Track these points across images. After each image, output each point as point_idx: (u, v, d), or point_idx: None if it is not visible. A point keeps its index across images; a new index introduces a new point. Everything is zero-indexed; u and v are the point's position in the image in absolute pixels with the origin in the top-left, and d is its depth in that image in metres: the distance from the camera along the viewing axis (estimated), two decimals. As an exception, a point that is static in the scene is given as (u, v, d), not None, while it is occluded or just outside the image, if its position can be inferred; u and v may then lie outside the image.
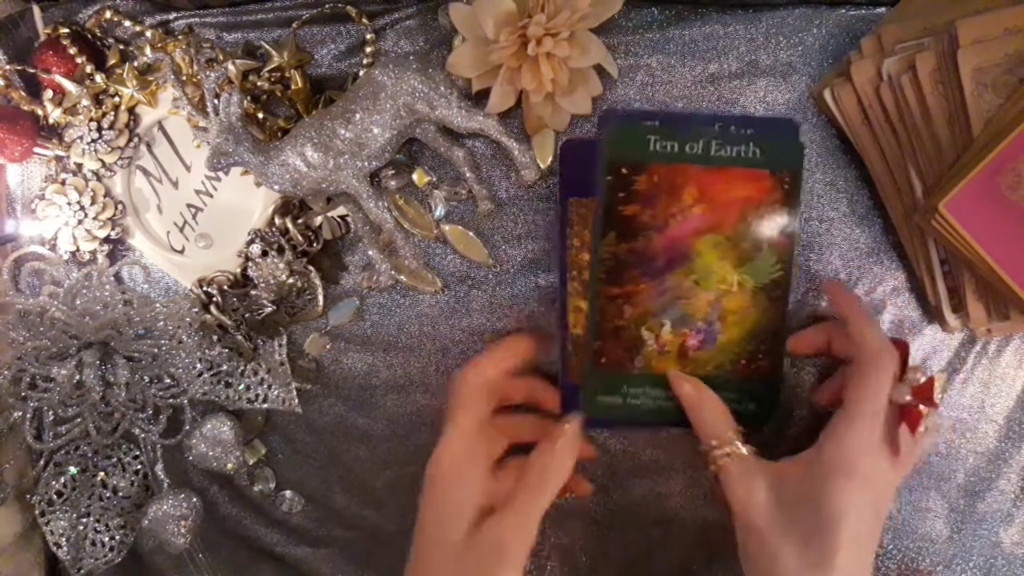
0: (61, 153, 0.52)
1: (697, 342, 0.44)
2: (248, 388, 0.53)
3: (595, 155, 0.45)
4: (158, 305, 0.53)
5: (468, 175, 0.50)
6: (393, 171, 0.51)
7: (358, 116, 0.46)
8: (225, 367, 0.53)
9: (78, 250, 0.53)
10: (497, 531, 0.39)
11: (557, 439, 0.43)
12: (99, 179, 0.53)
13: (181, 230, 0.54)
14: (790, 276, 0.44)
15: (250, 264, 0.52)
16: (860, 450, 0.38)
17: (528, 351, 0.47)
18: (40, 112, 0.52)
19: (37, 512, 0.54)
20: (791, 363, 0.50)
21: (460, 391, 0.44)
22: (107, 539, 0.54)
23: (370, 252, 0.51)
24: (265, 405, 0.53)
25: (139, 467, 0.55)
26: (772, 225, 0.44)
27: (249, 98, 0.50)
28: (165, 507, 0.53)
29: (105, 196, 0.53)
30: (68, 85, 0.50)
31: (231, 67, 0.49)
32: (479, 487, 0.41)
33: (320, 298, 0.52)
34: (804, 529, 0.36)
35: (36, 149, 0.52)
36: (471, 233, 0.51)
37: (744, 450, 0.40)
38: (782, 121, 0.47)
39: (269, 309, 0.51)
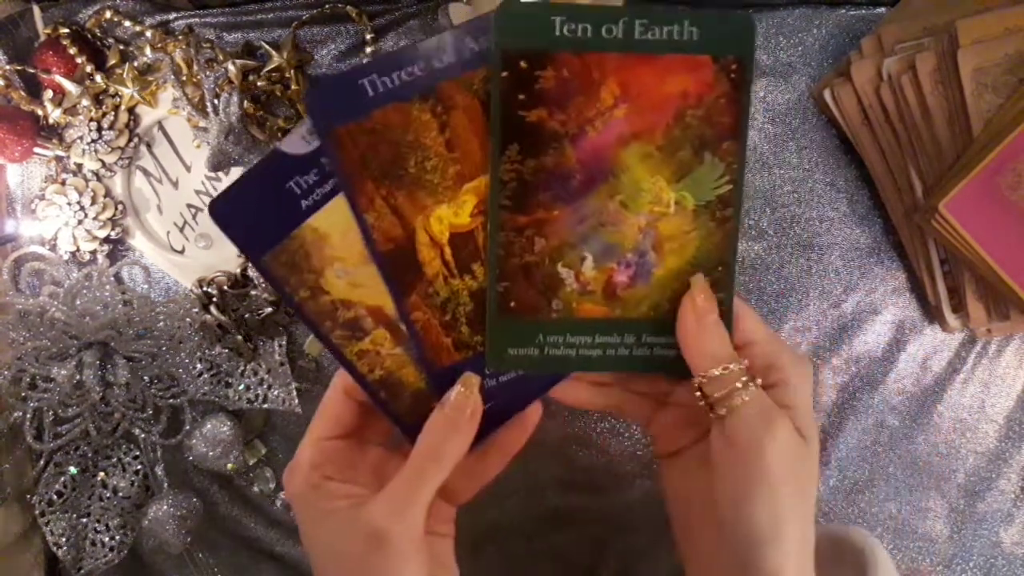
0: (61, 153, 0.52)
1: (627, 278, 0.36)
2: (248, 388, 0.53)
3: (252, 196, 0.36)
4: (158, 305, 0.53)
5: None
6: (393, 171, 0.51)
7: (358, 116, 0.46)
8: (225, 367, 0.53)
9: (78, 250, 0.53)
10: (369, 519, 0.33)
11: (447, 403, 0.35)
12: (99, 179, 0.53)
13: (181, 230, 0.54)
14: (740, 190, 0.36)
15: (250, 264, 0.52)
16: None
17: (340, 414, 0.38)
18: (40, 112, 0.52)
19: (37, 512, 0.54)
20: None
21: (330, 391, 0.38)
22: (107, 539, 0.54)
23: (370, 252, 0.51)
24: (265, 405, 0.53)
25: (139, 467, 0.55)
26: (715, 127, 0.35)
27: (249, 98, 0.50)
28: (165, 507, 0.53)
29: (105, 196, 0.53)
30: (68, 85, 0.50)
31: (231, 67, 0.49)
32: (339, 487, 0.36)
33: (320, 298, 0.52)
34: (803, 479, 0.33)
35: (36, 149, 0.52)
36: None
37: (754, 386, 0.33)
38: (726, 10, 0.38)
39: (269, 309, 0.51)
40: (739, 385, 0.32)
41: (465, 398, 0.35)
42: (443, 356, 0.37)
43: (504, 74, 0.34)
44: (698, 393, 0.34)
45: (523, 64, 0.34)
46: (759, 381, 0.33)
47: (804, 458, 0.32)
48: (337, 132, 0.35)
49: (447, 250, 0.37)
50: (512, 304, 0.36)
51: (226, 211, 0.37)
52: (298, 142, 0.35)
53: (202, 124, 0.47)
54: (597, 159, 0.35)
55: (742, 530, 0.31)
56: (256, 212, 0.36)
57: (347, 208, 0.36)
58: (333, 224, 0.36)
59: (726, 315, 0.35)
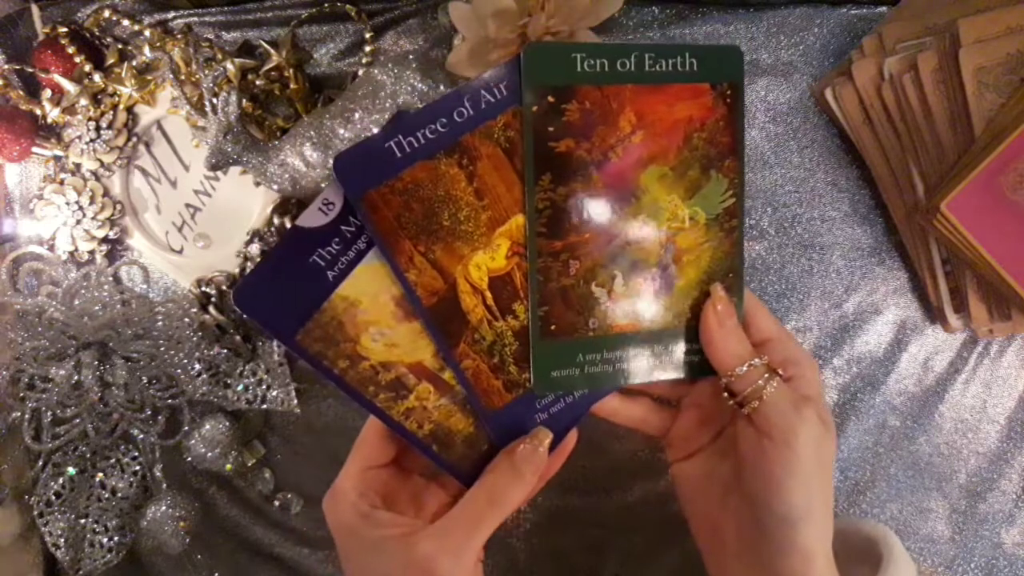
0: (59, 153, 0.52)
1: (654, 290, 0.39)
2: (247, 389, 0.53)
3: (276, 278, 0.37)
4: (157, 305, 0.53)
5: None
6: (392, 171, 0.51)
7: (358, 115, 0.46)
8: (224, 367, 0.53)
9: (76, 250, 0.53)
10: (424, 555, 0.33)
11: (517, 453, 0.36)
12: (97, 179, 0.53)
13: (180, 230, 0.53)
14: (742, 202, 0.39)
15: (249, 264, 0.51)
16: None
17: (382, 443, 0.39)
18: (39, 112, 0.52)
19: (36, 513, 0.53)
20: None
21: (369, 428, 0.39)
22: (106, 540, 0.54)
23: (369, 252, 0.51)
24: (264, 406, 0.53)
25: (138, 468, 0.55)
26: (718, 147, 0.38)
27: (248, 97, 0.49)
28: (164, 508, 0.52)
29: (103, 196, 0.52)
30: (67, 84, 0.50)
31: (230, 66, 0.49)
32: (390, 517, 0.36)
33: (319, 298, 0.52)
34: (826, 462, 0.35)
35: (34, 149, 0.51)
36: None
37: (777, 379, 0.35)
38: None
39: (268, 309, 0.51)
40: (763, 380, 0.35)
41: (533, 451, 0.36)
42: (496, 398, 0.39)
43: (534, 109, 0.36)
44: (726, 393, 0.36)
45: (551, 99, 0.37)
46: (781, 373, 0.35)
47: (827, 443, 0.34)
48: (370, 196, 0.36)
49: (488, 295, 0.38)
50: (552, 327, 0.38)
51: (251, 297, 0.38)
52: (315, 215, 0.37)
53: (201, 123, 0.47)
54: (620, 182, 0.38)
55: (779, 511, 0.33)
56: (282, 292, 0.37)
57: (372, 271, 0.38)
58: (362, 289, 0.38)
59: (741, 318, 0.38)
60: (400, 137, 0.36)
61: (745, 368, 0.35)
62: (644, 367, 0.39)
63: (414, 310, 0.38)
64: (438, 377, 0.39)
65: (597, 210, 0.38)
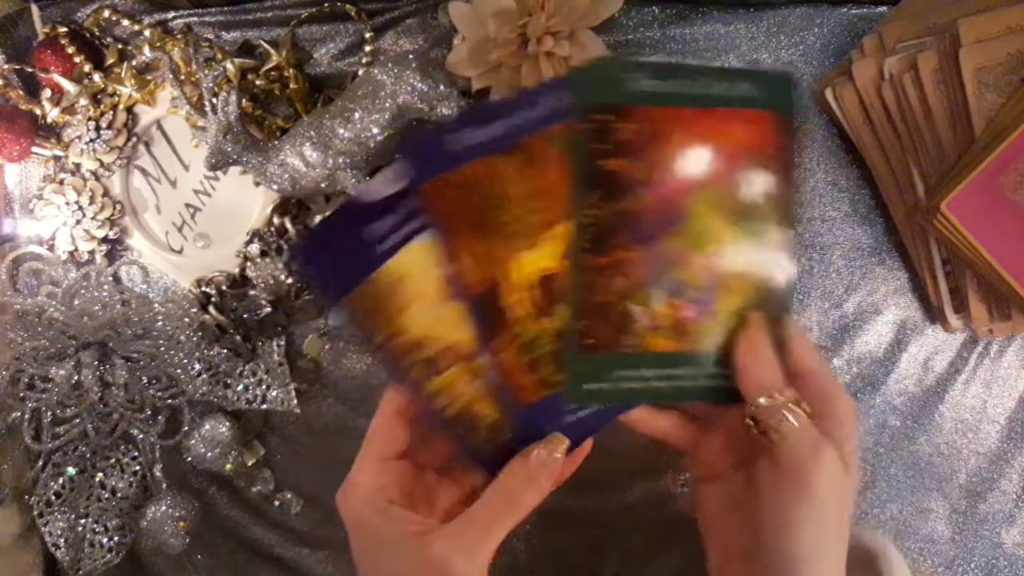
0: (59, 153, 0.52)
1: (694, 313, 0.38)
2: (247, 389, 0.53)
3: (329, 244, 0.39)
4: (156, 305, 0.53)
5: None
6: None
7: (357, 115, 0.46)
8: (223, 368, 0.53)
9: (76, 250, 0.53)
10: (439, 554, 0.33)
11: (532, 458, 0.36)
12: (97, 179, 0.53)
13: (180, 230, 0.53)
14: (793, 233, 0.38)
15: (249, 264, 0.51)
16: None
17: (395, 434, 0.38)
18: (38, 111, 0.52)
19: (35, 513, 0.53)
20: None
21: (381, 411, 0.38)
22: (105, 540, 0.54)
23: (369, 252, 0.51)
24: (264, 406, 0.53)
25: (137, 468, 0.55)
26: (771, 172, 0.37)
27: (248, 97, 0.49)
28: (164, 508, 0.52)
29: (103, 196, 0.52)
30: (66, 84, 0.50)
31: (229, 66, 0.49)
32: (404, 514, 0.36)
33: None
34: (843, 504, 0.35)
35: (34, 149, 0.51)
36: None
37: (802, 413, 0.35)
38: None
39: (268, 309, 0.51)
40: (787, 412, 0.34)
41: (548, 455, 0.36)
42: (526, 394, 0.38)
43: (586, 126, 0.36)
44: (750, 421, 0.35)
45: (603, 117, 0.36)
46: (807, 409, 0.35)
47: (845, 485, 0.34)
48: (428, 185, 0.37)
49: (532, 293, 0.38)
50: (589, 341, 0.38)
51: (305, 257, 0.39)
52: (373, 190, 0.38)
53: (201, 123, 0.47)
54: (669, 204, 0.37)
55: (786, 550, 0.33)
56: (334, 258, 0.38)
57: (425, 250, 0.38)
58: (410, 266, 0.38)
59: (780, 348, 0.37)
60: (463, 131, 0.37)
61: (770, 399, 0.35)
62: (677, 388, 0.38)
63: (459, 298, 0.38)
64: (472, 362, 0.39)
65: (643, 230, 0.37)
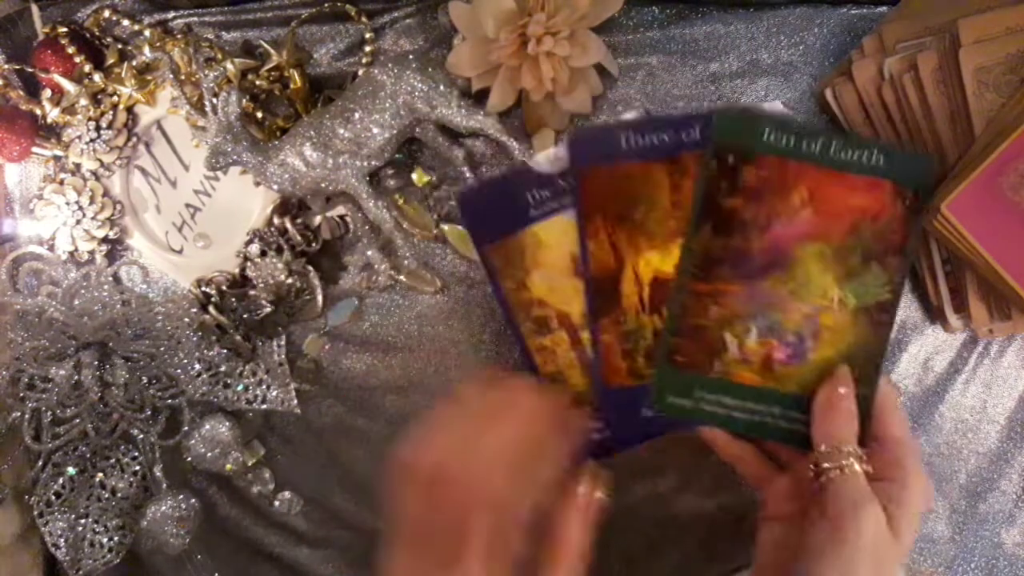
0: (59, 153, 0.52)
1: (784, 356, 0.40)
2: (247, 389, 0.53)
3: (494, 194, 0.44)
4: (156, 305, 0.53)
5: (467, 174, 0.49)
6: (392, 171, 0.51)
7: (357, 115, 0.46)
8: (224, 368, 0.53)
9: (76, 250, 0.53)
10: None
11: (570, 504, 0.38)
12: (97, 179, 0.53)
13: (180, 230, 0.53)
14: (898, 300, 0.40)
15: (249, 264, 0.51)
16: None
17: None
18: (38, 111, 0.52)
19: (36, 513, 0.53)
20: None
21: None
22: (106, 540, 0.54)
23: (369, 252, 0.51)
24: (264, 406, 0.53)
25: (138, 468, 0.55)
26: (886, 242, 0.39)
27: (248, 97, 0.49)
28: (164, 508, 0.52)
29: (103, 196, 0.52)
30: (66, 84, 0.50)
31: (230, 66, 0.49)
32: None
33: (319, 298, 0.52)
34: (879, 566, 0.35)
35: (34, 149, 0.51)
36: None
37: (859, 468, 0.36)
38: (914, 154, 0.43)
39: (268, 309, 0.51)
40: (844, 463, 0.36)
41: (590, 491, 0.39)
42: (616, 378, 0.42)
43: (713, 163, 0.40)
44: (811, 466, 0.37)
45: (731, 159, 0.40)
46: (868, 468, 0.36)
47: (886, 551, 0.34)
48: (587, 170, 0.42)
49: (646, 290, 0.42)
50: (679, 357, 0.41)
51: (470, 200, 0.46)
52: (545, 162, 0.44)
53: (201, 123, 0.47)
54: (777, 249, 0.40)
55: None
56: (493, 208, 0.44)
57: (565, 225, 0.43)
58: (550, 236, 0.44)
59: (865, 409, 0.39)
60: (631, 132, 0.41)
61: (833, 447, 0.36)
62: (754, 423, 0.40)
63: (582, 273, 0.43)
64: (577, 333, 0.43)
65: (748, 268, 0.40)
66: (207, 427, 0.53)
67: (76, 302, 0.52)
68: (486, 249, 0.44)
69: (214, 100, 0.45)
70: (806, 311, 0.40)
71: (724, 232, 0.40)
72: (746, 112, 0.43)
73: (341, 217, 0.52)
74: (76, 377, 0.51)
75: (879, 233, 0.39)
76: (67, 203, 0.52)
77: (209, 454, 0.53)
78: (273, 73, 0.49)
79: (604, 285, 0.43)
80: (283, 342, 0.53)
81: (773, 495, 0.41)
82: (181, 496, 0.53)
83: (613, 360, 0.43)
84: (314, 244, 0.51)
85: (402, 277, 0.51)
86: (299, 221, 0.51)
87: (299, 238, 0.51)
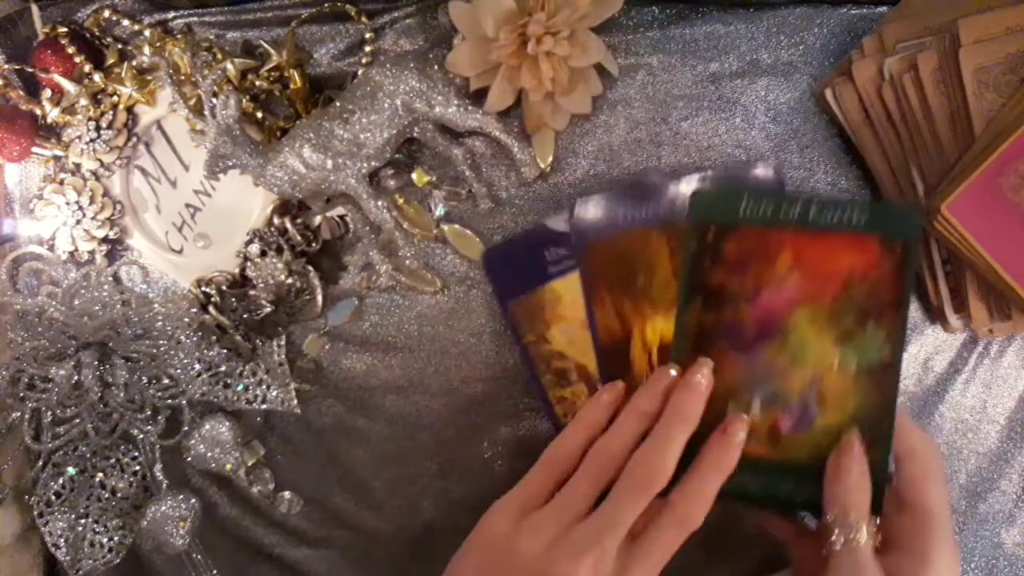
0: (59, 153, 0.52)
1: (790, 425, 0.40)
2: (247, 389, 0.53)
3: (518, 255, 0.47)
4: (156, 305, 0.53)
5: (467, 173, 0.49)
6: (392, 171, 0.50)
7: (356, 116, 0.46)
8: (224, 368, 0.53)
9: (76, 250, 0.53)
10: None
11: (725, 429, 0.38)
12: (97, 179, 0.53)
13: (180, 230, 0.53)
14: (900, 357, 0.39)
15: (249, 264, 0.51)
16: None
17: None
18: (38, 111, 0.51)
19: (35, 513, 0.53)
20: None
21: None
22: (106, 540, 0.54)
23: (370, 253, 0.51)
24: (264, 406, 0.53)
25: (138, 468, 0.55)
26: (880, 299, 0.39)
27: (248, 98, 0.49)
28: (164, 508, 0.52)
29: (103, 196, 0.52)
30: (66, 84, 0.50)
31: (229, 66, 0.49)
32: None
33: (319, 298, 0.52)
34: None
35: (34, 149, 0.51)
36: (469, 232, 0.51)
37: (863, 539, 0.35)
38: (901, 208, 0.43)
39: (268, 309, 0.51)
40: (850, 532, 0.35)
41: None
42: None
43: (695, 241, 0.40)
44: (821, 533, 0.37)
45: (711, 235, 0.40)
46: (877, 538, 0.36)
47: None
48: (590, 245, 0.45)
49: (655, 354, 0.43)
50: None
51: (495, 259, 0.49)
52: (560, 222, 0.47)
53: (199, 127, 0.47)
54: (770, 318, 0.40)
55: None
56: (515, 266, 0.47)
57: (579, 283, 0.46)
58: (568, 291, 0.46)
59: (880, 470, 0.38)
60: (630, 203, 0.44)
61: (837, 515, 0.36)
62: (767, 494, 0.40)
63: (593, 341, 0.45)
64: (594, 384, 0.46)
65: (742, 339, 0.40)
66: (207, 427, 0.53)
67: (76, 302, 0.52)
68: (507, 305, 0.47)
69: (214, 100, 0.45)
70: (806, 377, 0.39)
71: (714, 306, 0.40)
72: (724, 186, 0.44)
73: (341, 217, 0.52)
74: (76, 377, 0.51)
75: (871, 290, 0.39)
76: (67, 203, 0.52)
77: (209, 454, 0.53)
78: (273, 73, 0.49)
79: (614, 352, 0.44)
80: (283, 342, 0.53)
81: (800, 554, 0.41)
82: (181, 496, 0.53)
83: None
84: (314, 244, 0.51)
85: (402, 277, 0.51)
86: (299, 221, 0.51)
87: (299, 238, 0.51)
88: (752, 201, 0.40)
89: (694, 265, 0.40)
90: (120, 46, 0.51)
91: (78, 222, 0.52)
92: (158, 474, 0.54)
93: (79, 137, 0.51)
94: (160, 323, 0.52)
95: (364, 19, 0.49)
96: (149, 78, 0.51)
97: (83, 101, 0.51)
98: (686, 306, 0.40)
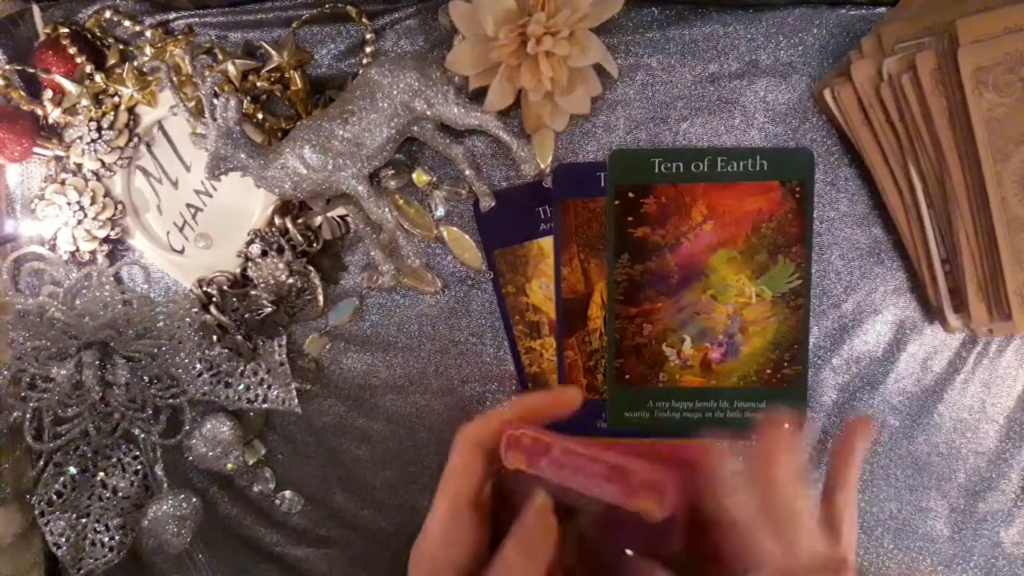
0: (61, 153, 0.52)
1: (719, 355, 0.46)
2: (248, 388, 0.53)
3: (507, 205, 0.48)
4: (158, 305, 0.53)
5: (467, 172, 0.49)
6: (393, 171, 0.51)
7: (355, 116, 0.46)
8: (225, 367, 0.53)
9: (78, 250, 0.53)
10: None
11: (521, 527, 0.31)
12: (99, 179, 0.53)
13: (181, 230, 0.53)
14: (809, 284, 0.46)
15: (250, 264, 0.51)
16: None
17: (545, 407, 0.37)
18: (40, 112, 0.52)
19: (37, 512, 0.53)
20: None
21: (457, 448, 0.33)
22: (106, 539, 0.54)
23: (372, 253, 0.51)
24: (265, 405, 0.53)
25: (139, 467, 0.55)
26: (785, 235, 0.45)
27: (249, 98, 0.49)
28: (165, 507, 0.53)
29: (105, 196, 0.52)
30: (68, 85, 0.50)
31: (230, 67, 0.49)
32: None
33: (320, 298, 0.52)
34: None
35: (36, 149, 0.52)
36: (467, 237, 0.51)
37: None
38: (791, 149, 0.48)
39: (269, 309, 0.51)
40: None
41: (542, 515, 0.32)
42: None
43: (616, 203, 0.46)
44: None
45: (631, 195, 0.46)
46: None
47: None
48: (567, 203, 0.48)
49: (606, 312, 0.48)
50: (627, 376, 0.47)
51: (486, 213, 0.50)
52: (551, 184, 0.49)
53: (200, 130, 0.47)
54: (691, 263, 0.46)
55: None
56: (506, 219, 0.49)
57: None
58: (549, 250, 0.49)
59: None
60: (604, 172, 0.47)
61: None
62: (709, 419, 0.46)
63: (556, 294, 0.48)
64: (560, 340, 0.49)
65: (669, 285, 0.46)
66: (208, 426, 0.53)
67: (77, 302, 0.52)
68: (492, 255, 0.49)
69: (214, 101, 0.45)
70: (729, 311, 0.46)
71: (640, 258, 0.46)
72: (632, 152, 0.47)
73: (342, 217, 0.52)
74: (77, 377, 0.51)
75: (778, 228, 0.45)
76: (68, 203, 0.52)
77: (210, 453, 0.53)
78: (274, 74, 0.49)
79: (573, 307, 0.48)
80: (284, 342, 0.53)
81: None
82: (182, 495, 0.53)
83: (576, 376, 0.48)
84: (315, 244, 0.51)
85: (404, 278, 0.51)
86: (300, 221, 0.51)
87: (300, 238, 0.51)
88: (664, 160, 0.45)
89: (618, 223, 0.45)
90: (121, 47, 0.52)
91: (79, 222, 0.52)
92: (159, 473, 0.54)
93: (80, 137, 0.51)
94: (161, 323, 0.52)
95: (365, 20, 0.49)
96: (150, 79, 0.51)
97: (84, 101, 0.51)
98: (616, 260, 0.46)
